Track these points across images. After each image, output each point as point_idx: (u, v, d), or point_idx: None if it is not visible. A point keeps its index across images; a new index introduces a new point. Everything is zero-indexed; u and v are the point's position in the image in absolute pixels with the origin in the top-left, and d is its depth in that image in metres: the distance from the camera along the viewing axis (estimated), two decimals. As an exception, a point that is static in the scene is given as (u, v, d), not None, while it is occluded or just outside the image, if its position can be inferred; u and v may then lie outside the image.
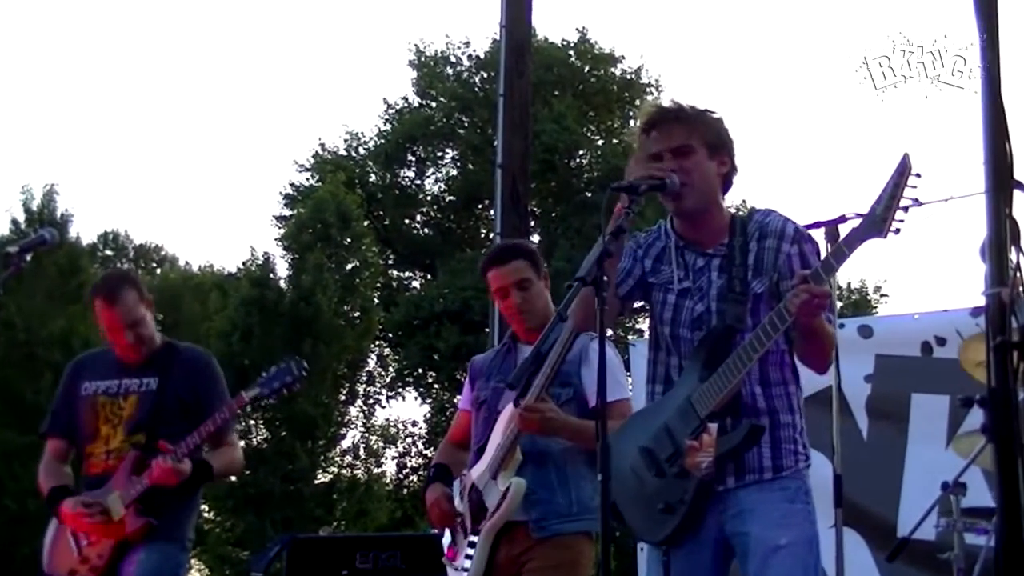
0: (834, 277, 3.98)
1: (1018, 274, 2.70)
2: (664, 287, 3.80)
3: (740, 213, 3.87)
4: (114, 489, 4.94)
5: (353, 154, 34.61)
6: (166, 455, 4.83)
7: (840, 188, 47.58)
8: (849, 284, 33.43)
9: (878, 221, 3.17)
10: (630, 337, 17.78)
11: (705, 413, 3.56)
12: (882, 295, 34.45)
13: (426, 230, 35.39)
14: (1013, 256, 2.71)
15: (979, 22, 2.74)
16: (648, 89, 34.25)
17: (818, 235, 5.37)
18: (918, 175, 3.10)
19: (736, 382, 3.53)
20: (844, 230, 5.35)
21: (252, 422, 27.69)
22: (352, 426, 32.04)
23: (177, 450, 4.84)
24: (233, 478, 20.12)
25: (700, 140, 3.72)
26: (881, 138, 46.47)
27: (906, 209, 3.13)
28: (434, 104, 34.29)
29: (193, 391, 5.09)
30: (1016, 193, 2.74)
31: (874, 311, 31.61)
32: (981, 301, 2.74)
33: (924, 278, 46.84)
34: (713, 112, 3.82)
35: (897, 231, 3.15)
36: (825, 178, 55.91)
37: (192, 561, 18.97)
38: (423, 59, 34.55)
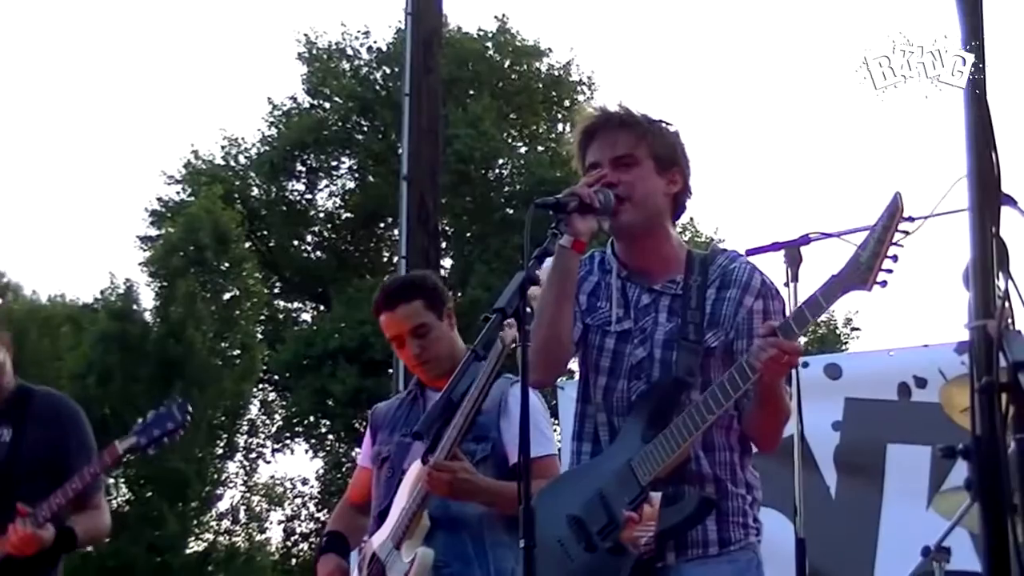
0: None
1: (1007, 304, 2.71)
2: (601, 329, 3.75)
3: (698, 251, 3.82)
4: (-39, 561, 4.86)
5: (232, 163, 34.41)
6: (24, 519, 4.76)
7: (801, 204, 48.08)
8: (815, 316, 33.67)
9: (863, 270, 3.12)
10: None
11: (648, 480, 3.50)
12: (853, 329, 34.85)
13: (318, 253, 35.26)
14: (1001, 283, 2.72)
15: (962, 20, 2.78)
16: (579, 88, 34.50)
17: (777, 258, 5.40)
18: (910, 219, 3.06)
19: (685, 447, 3.48)
20: (807, 252, 5.39)
21: (112, 481, 27.36)
22: (231, 485, 31.83)
23: (37, 513, 4.78)
24: (90, 548, 19.84)
25: (647, 152, 3.70)
26: (845, 148, 47.10)
27: (895, 258, 3.08)
28: (327, 105, 34.20)
29: (53, 444, 5.02)
30: (1004, 210, 2.76)
31: (844, 348, 31.87)
32: (966, 335, 2.75)
33: (901, 309, 47.36)
34: (668, 124, 3.81)
35: (884, 283, 3.10)
36: (785, 192, 56.50)
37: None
38: (314, 52, 34.43)
